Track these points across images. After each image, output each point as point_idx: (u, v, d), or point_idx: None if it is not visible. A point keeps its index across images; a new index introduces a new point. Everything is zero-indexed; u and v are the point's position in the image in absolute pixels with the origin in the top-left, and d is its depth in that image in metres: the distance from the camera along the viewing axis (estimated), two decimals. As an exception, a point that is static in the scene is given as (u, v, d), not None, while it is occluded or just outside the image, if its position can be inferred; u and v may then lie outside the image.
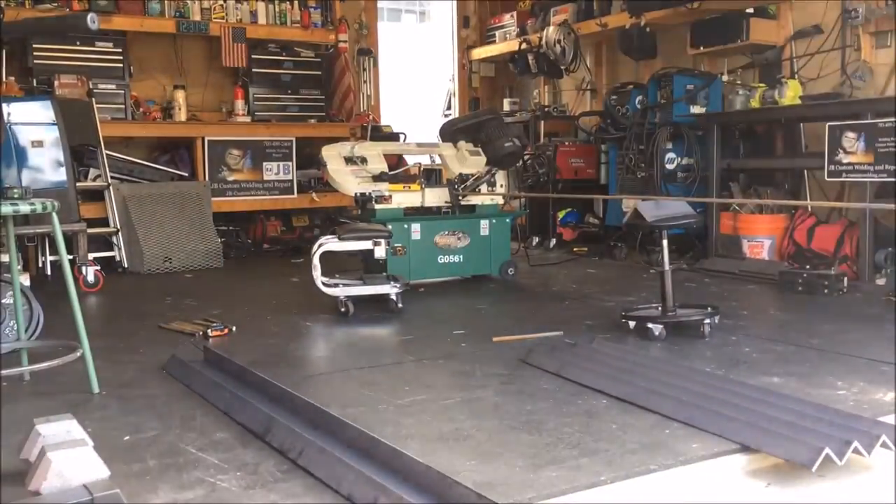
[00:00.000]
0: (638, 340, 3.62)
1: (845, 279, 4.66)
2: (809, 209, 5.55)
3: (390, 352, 3.75)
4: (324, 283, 4.33)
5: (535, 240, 7.32)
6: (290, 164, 7.24)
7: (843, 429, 2.25)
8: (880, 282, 4.70)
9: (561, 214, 7.35)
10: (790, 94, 5.60)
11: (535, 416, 2.58)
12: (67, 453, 1.98)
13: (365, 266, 4.70)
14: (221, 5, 7.20)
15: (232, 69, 7.31)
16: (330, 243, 4.38)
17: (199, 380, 3.03)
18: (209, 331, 3.81)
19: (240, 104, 7.28)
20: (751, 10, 6.13)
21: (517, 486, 2.01)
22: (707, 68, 6.53)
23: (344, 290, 4.33)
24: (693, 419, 2.42)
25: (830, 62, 5.79)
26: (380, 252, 4.45)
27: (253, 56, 7.31)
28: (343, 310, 4.28)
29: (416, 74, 11.14)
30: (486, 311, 4.63)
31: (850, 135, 4.74)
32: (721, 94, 6.11)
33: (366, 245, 4.45)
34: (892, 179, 4.54)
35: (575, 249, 6.90)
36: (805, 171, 5.74)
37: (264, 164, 7.14)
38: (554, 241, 7.20)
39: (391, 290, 4.36)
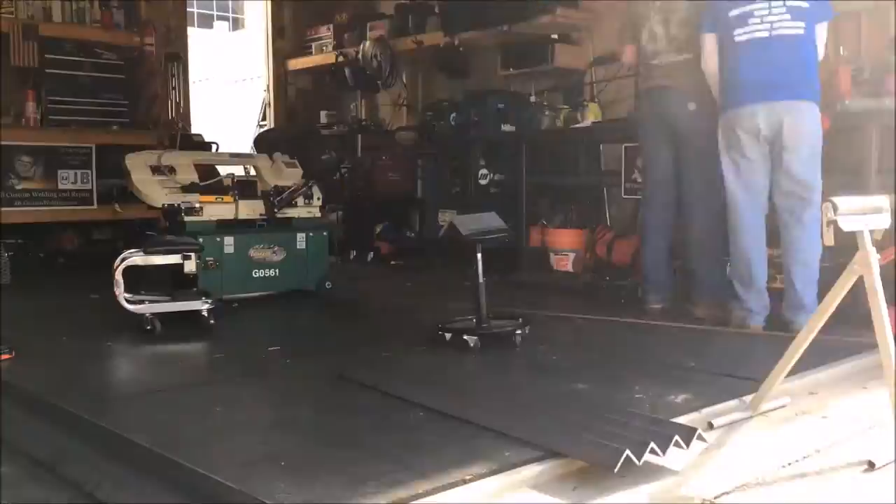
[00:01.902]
0: (455, 352, 3.69)
1: (639, 289, 5.01)
2: (609, 223, 5.94)
3: (201, 371, 3.58)
4: (127, 300, 4.06)
5: (353, 253, 7.30)
6: (88, 172, 6.76)
7: (642, 431, 2.41)
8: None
9: (378, 228, 7.38)
10: (591, 116, 5.97)
11: (354, 432, 2.56)
12: None
13: (174, 281, 4.46)
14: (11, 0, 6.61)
15: (22, 69, 6.71)
16: (134, 257, 4.12)
17: (-21, 410, 2.74)
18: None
19: (31, 107, 6.69)
20: (556, 37, 6.49)
21: (334, 505, 1.97)
22: (516, 89, 6.82)
23: (150, 306, 4.08)
24: (506, 428, 2.49)
25: (626, 87, 6.22)
26: (189, 266, 4.24)
27: (47, 56, 6.76)
28: (149, 327, 4.03)
29: (230, 83, 10.82)
30: (302, 326, 4.54)
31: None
32: (530, 114, 6.39)
33: (174, 259, 4.22)
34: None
35: (392, 263, 6.95)
36: (605, 189, 6.13)
37: (59, 172, 6.62)
38: (371, 254, 7.21)
39: (202, 305, 4.17)
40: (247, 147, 9.62)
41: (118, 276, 4.05)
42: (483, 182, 6.27)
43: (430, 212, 6.83)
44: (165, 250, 4.22)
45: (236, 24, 12.55)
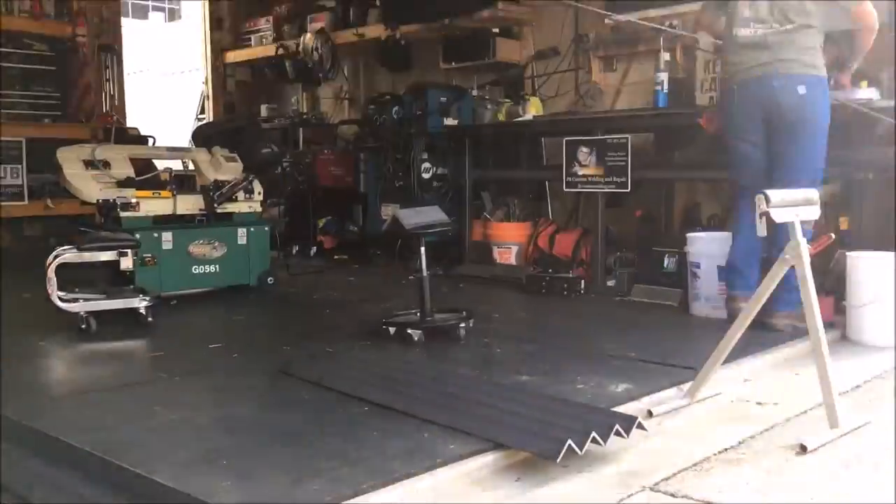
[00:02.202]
0: (399, 346, 3.68)
1: (582, 282, 5.08)
2: (551, 217, 6.00)
3: (139, 370, 3.50)
4: (60, 299, 3.95)
5: (296, 248, 7.21)
6: (19, 167, 6.56)
7: (583, 421, 2.45)
8: (611, 283, 5.16)
9: (321, 222, 7.31)
10: (532, 110, 6.00)
11: (297, 428, 2.54)
12: None
13: (111, 278, 4.35)
14: (-68, -13, 6.38)
15: (-56, 58, 6.48)
16: (67, 254, 4.00)
17: None
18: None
19: (-44, 99, 6.49)
20: (497, 31, 6.52)
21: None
22: (458, 83, 6.83)
23: (84, 304, 3.97)
24: (450, 421, 2.50)
25: (567, 82, 6.30)
26: (126, 263, 4.14)
27: (-28, 45, 6.55)
28: (84, 326, 3.93)
29: (166, 75, 10.59)
30: (244, 322, 4.48)
31: (584, 149, 5.19)
32: (472, 108, 6.40)
33: (109, 256, 4.12)
34: (620, 190, 5.03)
35: (336, 257, 6.91)
36: (546, 183, 6.18)
37: (-13, 167, 6.42)
38: (315, 249, 7.15)
39: (139, 303, 4.07)
40: (185, 141, 9.45)
41: (51, 273, 3.93)
42: (426, 176, 6.27)
43: (372, 206, 6.80)
44: (100, 247, 4.11)
45: (172, 15, 12.27)
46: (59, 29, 7.05)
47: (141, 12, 11.97)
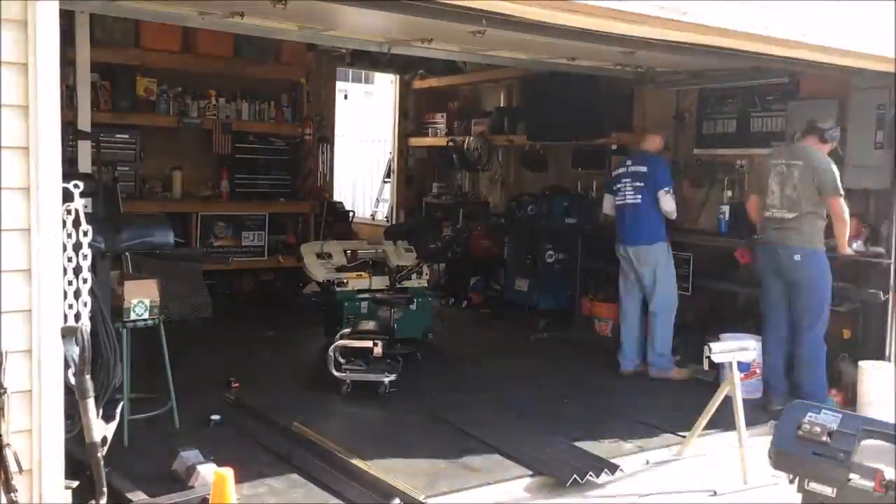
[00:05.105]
0: (502, 400, 5.80)
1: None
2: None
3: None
4: (335, 370, 5.93)
5: (452, 300, 9.44)
6: (262, 233, 9.20)
7: (588, 463, 4.47)
8: (676, 358, 6.97)
9: (472, 281, 9.53)
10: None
11: (436, 451, 4.73)
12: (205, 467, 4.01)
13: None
14: (214, 105, 9.09)
15: (219, 156, 9.18)
16: (342, 340, 6.05)
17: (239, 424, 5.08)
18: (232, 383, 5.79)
19: (224, 183, 9.19)
20: (614, 147, 8.43)
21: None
22: (584, 182, 8.80)
23: (349, 375, 5.95)
24: (518, 455, 4.59)
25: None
26: (377, 350, 5.96)
27: (236, 144, 9.20)
28: (343, 386, 5.92)
29: (363, 141, 13.29)
30: (414, 372, 6.71)
31: (661, 259, 7.05)
32: (587, 210, 8.37)
33: (368, 344, 6.02)
34: (683, 293, 6.87)
35: (481, 311, 9.08)
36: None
37: (243, 233, 9.10)
38: (466, 302, 9.36)
39: (385, 378, 5.93)
40: (372, 199, 12.07)
41: (331, 352, 5.88)
42: (549, 260, 8.32)
43: (511, 274, 8.92)
44: (363, 337, 6.04)
45: (367, 98, 15.12)
46: (293, 130, 9.60)
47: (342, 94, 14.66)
